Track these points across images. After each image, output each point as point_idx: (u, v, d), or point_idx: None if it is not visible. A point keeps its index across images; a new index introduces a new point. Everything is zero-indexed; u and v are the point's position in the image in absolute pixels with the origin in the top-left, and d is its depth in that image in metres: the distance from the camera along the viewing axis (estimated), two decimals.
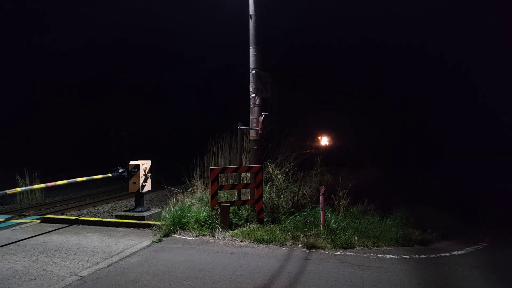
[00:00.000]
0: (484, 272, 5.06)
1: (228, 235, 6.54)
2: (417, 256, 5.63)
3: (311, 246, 5.89)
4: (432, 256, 5.69)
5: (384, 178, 12.26)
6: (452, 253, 5.89)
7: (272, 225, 6.99)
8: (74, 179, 7.63)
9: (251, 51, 7.77)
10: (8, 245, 6.19)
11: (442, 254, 5.79)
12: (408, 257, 5.59)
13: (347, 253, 5.72)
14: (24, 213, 9.98)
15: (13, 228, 7.56)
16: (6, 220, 8.86)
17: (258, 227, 6.82)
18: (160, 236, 6.54)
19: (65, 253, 5.70)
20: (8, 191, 6.32)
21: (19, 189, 6.93)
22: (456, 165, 15.46)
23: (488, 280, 4.74)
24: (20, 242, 6.40)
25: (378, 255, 5.64)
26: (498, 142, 16.95)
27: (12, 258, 5.51)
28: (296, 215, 7.42)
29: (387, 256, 5.60)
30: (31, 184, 11.86)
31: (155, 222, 7.37)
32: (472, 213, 8.73)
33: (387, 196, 9.16)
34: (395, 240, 6.26)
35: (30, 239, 6.60)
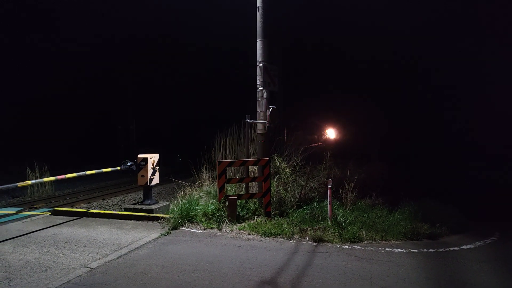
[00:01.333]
0: (494, 266, 5.02)
1: (236, 228, 6.57)
2: (425, 250, 5.60)
3: (318, 240, 5.90)
4: (440, 250, 5.66)
5: (392, 171, 12.18)
6: (461, 247, 5.85)
7: (279, 219, 7.00)
8: (83, 172, 7.71)
9: (259, 44, 7.73)
10: (19, 237, 6.29)
11: (451, 248, 5.76)
12: (416, 251, 5.56)
13: (355, 246, 5.71)
14: (34, 206, 10.12)
15: (24, 220, 7.68)
16: (17, 212, 9.01)
17: (265, 220, 6.84)
18: (168, 229, 6.60)
19: (75, 245, 5.78)
20: (19, 184, 6.42)
21: (29, 182, 7.04)
22: (465, 159, 15.30)
23: (498, 274, 4.71)
24: (31, 234, 6.50)
25: (386, 249, 5.62)
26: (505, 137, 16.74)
27: (24, 249, 5.60)
28: (304, 208, 7.42)
29: (395, 250, 5.58)
30: (41, 177, 12.02)
31: (164, 215, 7.43)
32: (482, 207, 8.65)
33: (395, 190, 9.10)
34: (403, 234, 6.23)
35: (41, 231, 6.71)
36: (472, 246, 5.92)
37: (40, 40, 24.65)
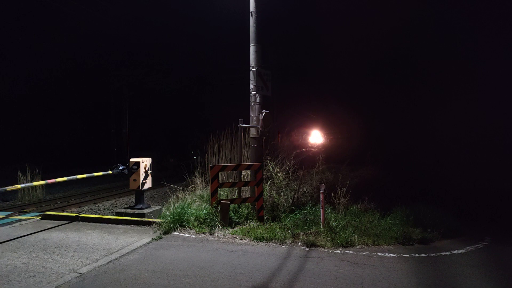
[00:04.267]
0: (485, 271, 5.05)
1: (228, 233, 6.54)
2: (417, 255, 5.62)
3: (310, 244, 5.89)
4: (432, 255, 5.68)
5: (384, 176, 12.24)
6: (452, 252, 5.87)
7: (272, 223, 6.98)
8: (74, 176, 7.63)
9: (252, 48, 7.74)
10: (8, 242, 6.20)
11: (442, 253, 5.78)
12: (408, 255, 5.58)
13: (347, 251, 5.71)
14: (25, 210, 10.00)
15: (13, 224, 7.58)
16: (7, 216, 8.88)
17: (258, 225, 6.82)
18: (160, 234, 6.54)
19: (65, 250, 5.71)
20: (8, 188, 6.33)
21: (19, 186, 6.95)
22: (457, 164, 15.42)
23: (489, 279, 4.73)
24: (20, 238, 6.41)
25: (378, 253, 5.63)
26: (498, 141, 16.91)
27: (12, 254, 5.52)
28: (296, 213, 7.41)
29: (387, 254, 5.59)
30: (33, 180, 11.88)
31: (155, 220, 7.38)
32: (473, 212, 8.71)
33: (387, 194, 9.13)
34: (395, 239, 6.25)
35: (30, 235, 6.62)
36: (463, 251, 5.95)
37: (33, 42, 24.48)
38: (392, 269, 4.92)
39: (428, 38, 22.57)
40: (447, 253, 5.81)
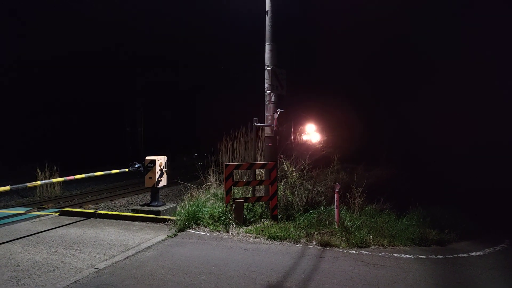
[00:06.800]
0: (504, 274, 4.94)
1: (242, 231, 6.56)
2: (433, 256, 5.54)
3: (325, 244, 5.86)
4: (449, 256, 5.59)
5: (399, 176, 12.06)
6: (470, 254, 5.77)
7: (286, 222, 6.97)
8: (92, 173, 7.78)
9: (267, 47, 7.74)
10: (28, 237, 6.36)
11: (460, 255, 5.68)
12: (424, 257, 5.50)
13: (362, 251, 5.67)
14: (43, 206, 10.23)
15: (33, 220, 7.77)
16: (26, 212, 9.11)
17: (272, 224, 6.82)
18: (175, 231, 6.61)
19: (83, 246, 5.82)
20: (29, 184, 6.50)
21: (39, 182, 7.12)
22: (475, 164, 15.08)
23: (508, 282, 4.63)
24: (39, 234, 6.57)
25: (394, 254, 5.57)
26: None
27: (32, 249, 5.66)
28: (311, 212, 7.39)
29: (403, 255, 5.53)
30: (51, 177, 12.15)
31: (170, 217, 7.46)
32: (492, 214, 8.51)
33: (403, 195, 9.00)
34: (412, 240, 6.17)
35: (49, 231, 6.77)
36: (482, 253, 5.83)
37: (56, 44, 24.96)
38: (408, 270, 4.87)
39: (444, 34, 22.14)
40: (464, 255, 5.71)
